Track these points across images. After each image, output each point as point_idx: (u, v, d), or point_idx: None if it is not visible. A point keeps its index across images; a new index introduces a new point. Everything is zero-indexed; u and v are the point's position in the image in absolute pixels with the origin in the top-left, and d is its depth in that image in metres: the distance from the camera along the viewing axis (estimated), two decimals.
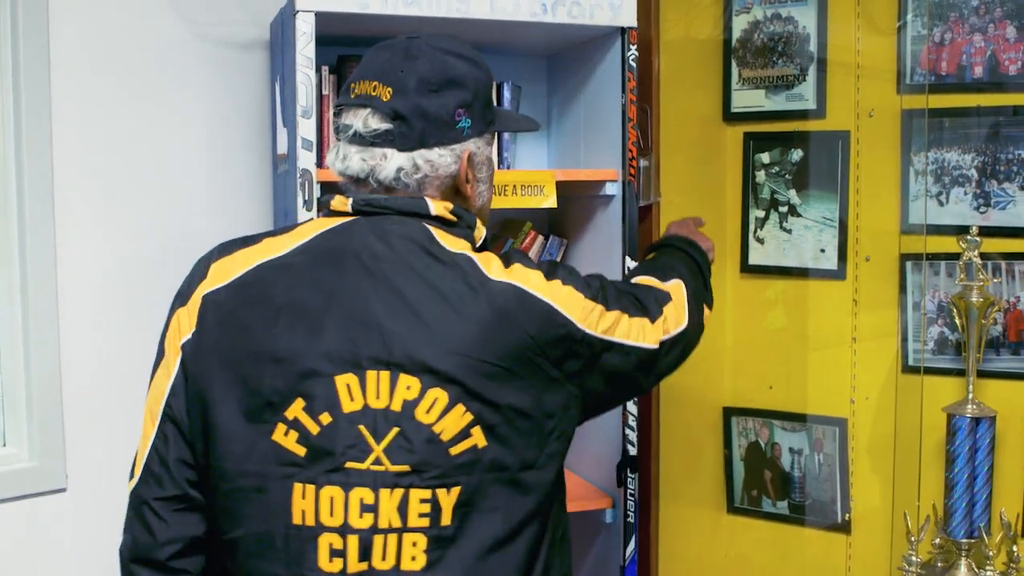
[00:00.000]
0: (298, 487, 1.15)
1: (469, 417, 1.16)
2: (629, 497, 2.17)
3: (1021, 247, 2.13)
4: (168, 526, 1.20)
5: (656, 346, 1.37)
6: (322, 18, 1.95)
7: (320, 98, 2.15)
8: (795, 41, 2.36)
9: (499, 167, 2.34)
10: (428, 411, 1.15)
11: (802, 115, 2.36)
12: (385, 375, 1.14)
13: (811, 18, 2.35)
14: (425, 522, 1.14)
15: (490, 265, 1.23)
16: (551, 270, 1.28)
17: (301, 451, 1.15)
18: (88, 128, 2.25)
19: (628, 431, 2.16)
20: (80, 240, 2.25)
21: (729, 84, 2.44)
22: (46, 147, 2.19)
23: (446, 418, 1.15)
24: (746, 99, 2.43)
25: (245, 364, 1.17)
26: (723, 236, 2.45)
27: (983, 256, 2.09)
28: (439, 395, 1.15)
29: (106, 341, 2.26)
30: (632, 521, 2.17)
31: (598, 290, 1.32)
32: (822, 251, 2.35)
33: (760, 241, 2.43)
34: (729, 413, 2.48)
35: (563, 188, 2.18)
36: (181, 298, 1.25)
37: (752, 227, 2.43)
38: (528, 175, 2.13)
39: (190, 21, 2.33)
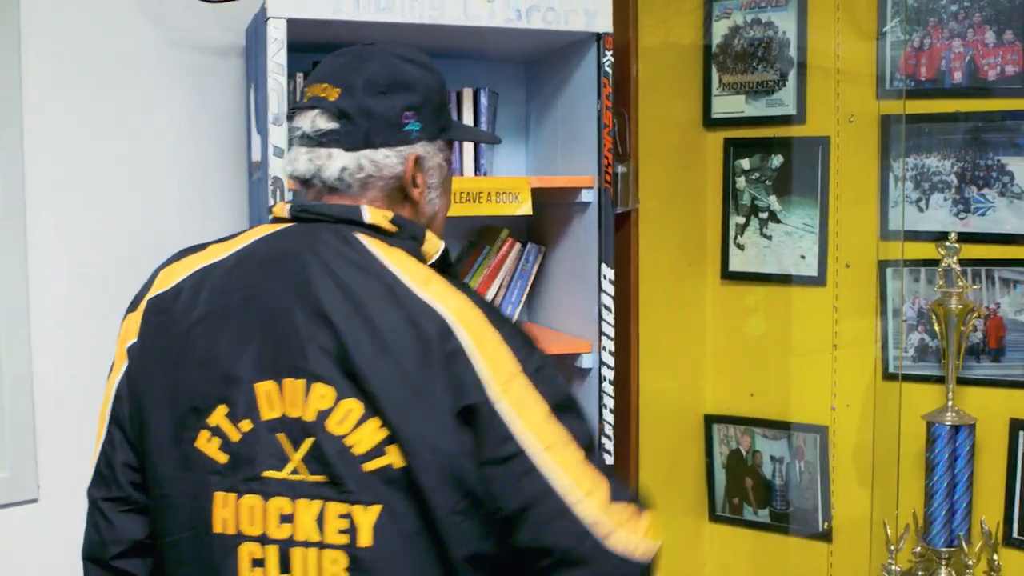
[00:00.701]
0: (219, 495, 1.14)
1: (384, 433, 1.10)
2: None
3: (1001, 253, 2.12)
4: (113, 527, 1.22)
5: (597, 538, 1.06)
6: (296, 25, 1.94)
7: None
8: (775, 46, 2.35)
9: (476, 174, 2.32)
10: (341, 422, 1.11)
11: (782, 121, 2.35)
12: (300, 383, 1.12)
13: (791, 23, 2.33)
14: (344, 539, 1.11)
15: (423, 281, 1.16)
16: (509, 331, 1.13)
17: (223, 458, 1.14)
18: (62, 136, 2.23)
19: (604, 439, 2.14)
20: (53, 249, 2.23)
21: (709, 90, 2.43)
22: (17, 155, 2.17)
23: (359, 431, 1.11)
24: (726, 105, 2.41)
25: (175, 369, 1.18)
26: (703, 242, 2.44)
27: (963, 263, 2.08)
28: (353, 406, 1.11)
29: (78, 352, 2.24)
30: None
31: (554, 386, 1.11)
32: (802, 257, 2.34)
33: (740, 247, 2.41)
34: (710, 421, 2.46)
35: (540, 195, 2.16)
36: (132, 304, 1.27)
37: (732, 233, 2.42)
38: (503, 182, 2.12)
39: (165, 27, 2.32)
